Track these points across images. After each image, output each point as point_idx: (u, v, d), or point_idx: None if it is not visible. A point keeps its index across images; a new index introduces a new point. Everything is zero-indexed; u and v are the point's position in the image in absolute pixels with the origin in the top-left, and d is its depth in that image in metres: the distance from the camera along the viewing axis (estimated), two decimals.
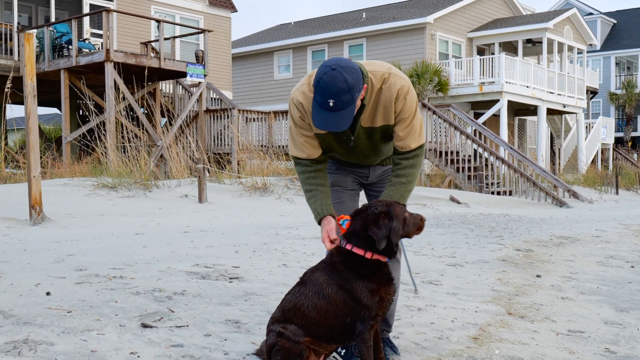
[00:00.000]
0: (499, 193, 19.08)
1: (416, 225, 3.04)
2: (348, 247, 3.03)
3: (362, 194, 3.75)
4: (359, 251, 3.00)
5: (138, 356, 3.16)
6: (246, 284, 4.91)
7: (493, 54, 28.41)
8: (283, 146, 20.09)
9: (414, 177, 3.30)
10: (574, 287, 5.48)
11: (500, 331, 4.02)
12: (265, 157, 16.75)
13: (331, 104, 2.91)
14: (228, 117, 19.53)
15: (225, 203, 12.14)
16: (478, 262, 6.40)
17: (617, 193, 23.20)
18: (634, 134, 43.95)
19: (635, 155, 39.68)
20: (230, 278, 5.08)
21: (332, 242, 3.16)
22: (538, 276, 5.85)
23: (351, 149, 3.35)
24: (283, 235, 7.87)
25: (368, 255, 2.99)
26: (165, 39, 19.32)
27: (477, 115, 26.61)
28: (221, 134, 19.87)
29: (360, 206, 3.17)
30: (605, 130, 34.92)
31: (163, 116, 20.00)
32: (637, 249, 7.89)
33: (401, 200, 3.23)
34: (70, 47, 18.23)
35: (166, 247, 6.50)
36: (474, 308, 4.57)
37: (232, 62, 27.16)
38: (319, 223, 3.28)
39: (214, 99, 21.21)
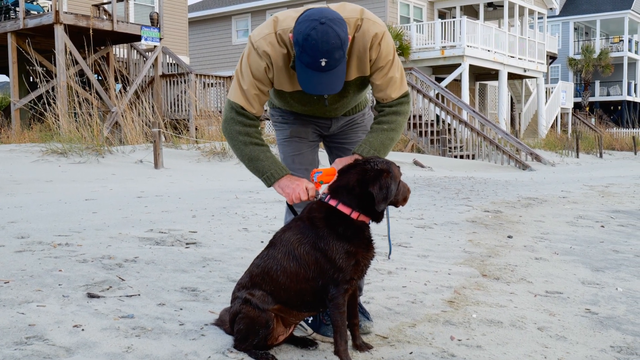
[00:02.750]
0: (461, 157, 19.01)
1: (404, 194, 2.76)
2: (332, 202, 2.72)
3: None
4: (344, 209, 2.70)
5: (82, 329, 2.85)
6: (204, 250, 4.60)
7: (454, 17, 28.16)
8: None
9: (398, 125, 2.97)
10: (547, 247, 5.33)
11: (476, 294, 3.80)
12: None
13: (323, 63, 2.57)
14: (185, 82, 18.93)
15: (182, 168, 11.74)
16: (447, 224, 6.18)
17: (577, 156, 23.41)
18: (591, 99, 44.45)
19: (592, 120, 40.18)
20: (187, 243, 4.77)
21: (309, 197, 2.85)
22: (509, 237, 5.67)
23: (325, 108, 3.02)
24: (243, 199, 7.54)
25: (354, 215, 2.70)
26: (118, 0, 18.56)
27: (439, 80, 26.43)
28: (178, 100, 19.28)
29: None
30: (564, 94, 35.16)
31: (117, 81, 19.30)
32: (604, 209, 7.79)
33: (382, 150, 2.92)
34: (17, 9, 17.39)
35: (118, 213, 6.12)
36: (447, 270, 4.34)
37: (189, 27, 26.41)
38: (275, 180, 2.91)
39: (170, 64, 20.56)
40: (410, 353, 2.82)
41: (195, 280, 3.78)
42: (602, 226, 6.52)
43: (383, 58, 2.85)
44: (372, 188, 2.64)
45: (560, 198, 8.60)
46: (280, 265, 2.69)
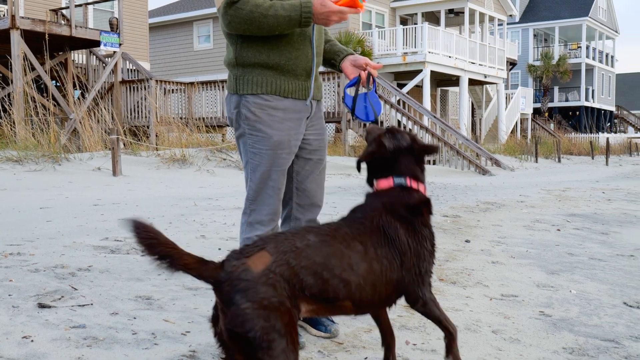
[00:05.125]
0: None
1: None
2: (415, 184, 2.40)
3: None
4: (422, 187, 2.44)
5: (32, 340, 2.78)
6: None
7: (416, 24, 28.43)
8: (204, 118, 19.51)
9: None
10: (504, 251, 5.37)
11: None
12: (184, 129, 16.14)
13: None
14: (145, 89, 18.73)
15: (141, 176, 11.58)
16: None
17: (536, 161, 23.76)
18: (550, 105, 45.26)
19: (551, 125, 40.88)
20: (143, 251, 4.68)
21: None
22: (467, 241, 5.71)
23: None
24: (202, 206, 7.48)
25: (421, 187, 2.44)
26: (77, 5, 18.30)
27: (401, 86, 26.63)
28: (138, 106, 19.06)
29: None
30: (524, 100, 35.73)
31: (76, 88, 19.01)
32: (561, 212, 7.91)
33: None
34: None
35: (73, 221, 6.01)
36: None
37: (149, 32, 26.17)
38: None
39: (131, 70, 20.31)
40: (365, 358, 2.82)
41: (150, 289, 3.72)
42: (558, 230, 6.62)
43: None
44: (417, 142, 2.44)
45: (518, 202, 8.72)
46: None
